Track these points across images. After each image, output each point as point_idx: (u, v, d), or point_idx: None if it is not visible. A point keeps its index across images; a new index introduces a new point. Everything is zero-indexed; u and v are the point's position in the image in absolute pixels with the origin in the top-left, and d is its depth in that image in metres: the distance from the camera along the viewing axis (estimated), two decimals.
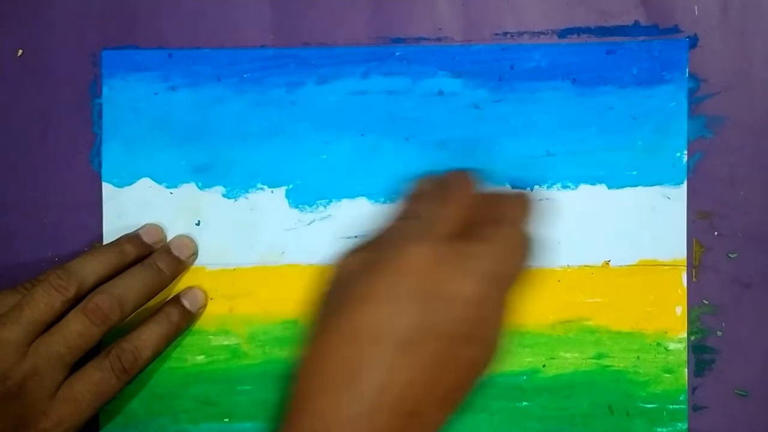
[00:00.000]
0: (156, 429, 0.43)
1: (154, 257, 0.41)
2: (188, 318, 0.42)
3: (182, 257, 0.42)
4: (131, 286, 0.40)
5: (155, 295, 0.41)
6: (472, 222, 0.35)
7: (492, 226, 0.34)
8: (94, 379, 0.38)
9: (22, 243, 0.43)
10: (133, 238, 0.42)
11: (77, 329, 0.38)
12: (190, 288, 0.42)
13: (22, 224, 0.43)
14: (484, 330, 0.33)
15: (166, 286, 0.41)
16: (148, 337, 0.40)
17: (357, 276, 0.33)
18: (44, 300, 0.38)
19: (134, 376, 0.40)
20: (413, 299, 0.32)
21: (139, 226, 0.42)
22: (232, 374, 0.42)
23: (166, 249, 0.42)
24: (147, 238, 0.42)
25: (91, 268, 0.39)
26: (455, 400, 0.33)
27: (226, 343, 0.42)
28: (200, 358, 0.43)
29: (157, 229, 0.42)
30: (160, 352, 0.40)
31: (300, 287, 0.42)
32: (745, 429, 0.41)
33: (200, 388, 0.42)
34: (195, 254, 0.42)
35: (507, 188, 0.41)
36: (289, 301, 0.42)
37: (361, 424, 0.31)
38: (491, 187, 0.37)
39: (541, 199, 0.41)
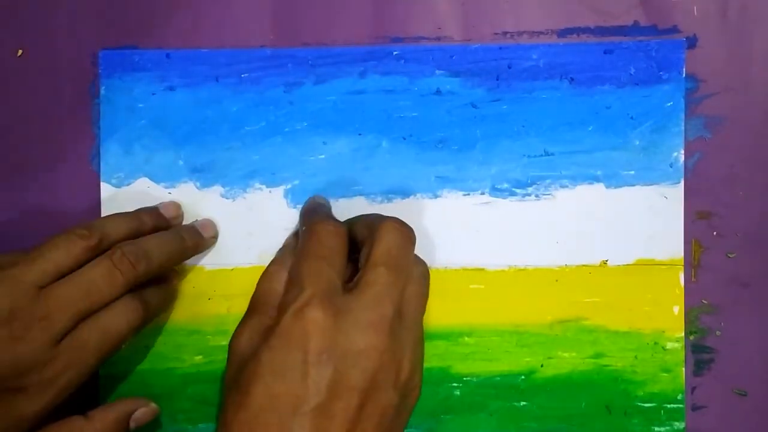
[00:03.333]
0: (155, 429, 0.43)
1: (178, 228, 0.41)
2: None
3: (204, 234, 0.42)
4: (157, 244, 0.39)
5: (179, 262, 0.41)
6: (354, 242, 0.36)
7: (371, 270, 0.34)
8: (103, 325, 0.37)
9: (22, 243, 0.43)
10: (151, 210, 0.41)
11: (99, 273, 0.36)
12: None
13: (22, 224, 0.43)
14: (393, 375, 0.34)
15: (188, 257, 0.41)
16: (157, 292, 0.40)
17: (256, 349, 0.34)
18: (64, 244, 0.37)
19: (142, 327, 0.38)
20: (315, 363, 0.32)
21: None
22: None
23: (190, 225, 0.42)
24: (165, 212, 0.42)
25: (113, 225, 0.38)
26: None
27: (224, 343, 0.42)
28: (198, 358, 0.43)
29: (175, 204, 0.42)
30: (165, 307, 0.40)
31: None
32: (744, 428, 0.41)
33: (198, 388, 0.42)
34: (216, 236, 0.42)
35: (370, 215, 0.40)
36: None
37: None
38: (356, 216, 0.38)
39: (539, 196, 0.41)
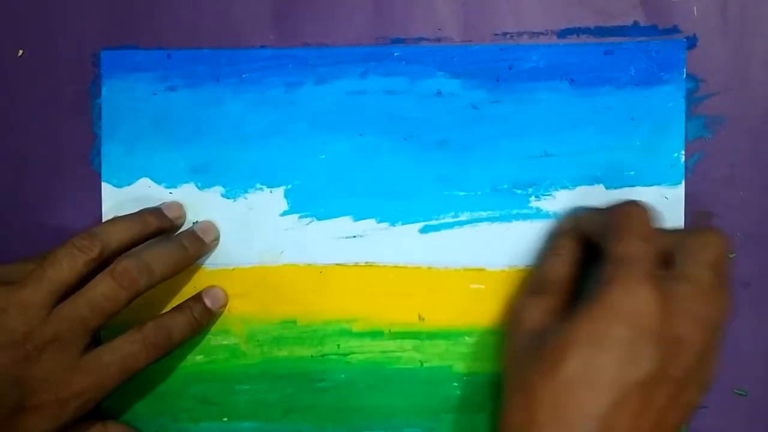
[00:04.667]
0: (155, 428, 0.43)
1: (179, 235, 0.41)
2: (209, 315, 0.41)
3: (205, 239, 0.42)
4: (158, 254, 0.39)
5: (180, 270, 0.40)
6: (667, 257, 0.35)
7: (699, 268, 0.34)
8: (124, 352, 0.38)
9: (22, 243, 0.43)
10: (154, 210, 0.41)
11: (103, 292, 0.37)
12: (211, 287, 0.42)
13: (22, 224, 0.43)
14: (702, 374, 0.34)
15: (190, 264, 0.41)
16: (178, 322, 0.40)
17: (562, 316, 0.34)
18: (66, 260, 0.37)
19: (161, 357, 0.39)
20: (644, 341, 0.32)
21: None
22: (230, 374, 0.42)
23: (190, 230, 0.42)
24: (168, 212, 0.42)
25: (114, 232, 0.39)
26: None
27: (224, 342, 0.43)
28: (199, 357, 0.43)
29: (177, 204, 0.42)
30: (184, 341, 0.40)
31: (298, 287, 0.42)
32: (744, 428, 0.41)
33: (199, 387, 0.43)
34: (217, 239, 0.42)
35: (696, 227, 0.40)
36: (287, 301, 0.42)
37: None
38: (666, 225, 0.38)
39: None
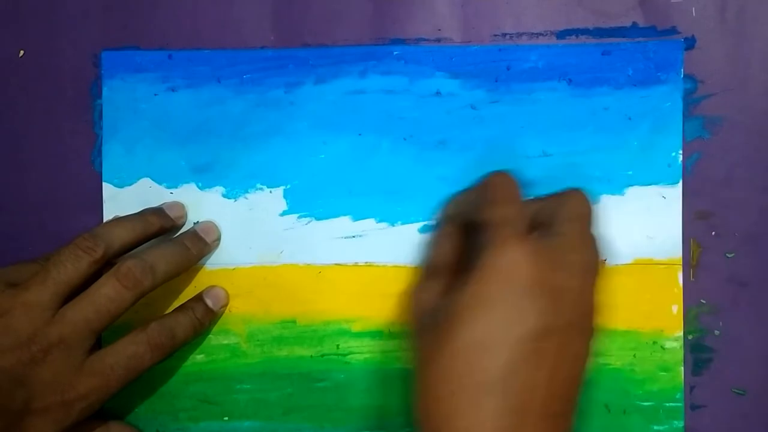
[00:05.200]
0: (156, 427, 0.43)
1: (181, 236, 0.41)
2: (210, 316, 0.41)
3: (207, 240, 0.42)
4: (161, 254, 0.39)
5: (183, 271, 0.40)
6: (537, 222, 0.36)
7: (566, 223, 0.35)
8: (128, 353, 0.38)
9: (22, 243, 0.43)
10: (156, 210, 0.41)
11: (107, 293, 0.37)
12: (212, 287, 0.42)
13: (22, 224, 0.43)
14: (587, 320, 0.34)
15: (192, 265, 0.41)
16: (181, 322, 0.40)
17: (451, 290, 0.34)
18: (71, 261, 0.37)
19: (165, 358, 0.39)
20: (527, 296, 0.33)
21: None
22: (231, 373, 0.43)
23: (192, 230, 0.42)
24: (170, 212, 0.42)
25: (117, 233, 0.39)
26: (577, 399, 0.34)
27: (225, 342, 0.43)
28: (200, 357, 0.43)
29: (179, 204, 0.42)
30: (187, 341, 0.40)
31: (298, 287, 0.42)
32: (743, 427, 0.41)
33: (199, 386, 0.43)
34: (218, 239, 0.42)
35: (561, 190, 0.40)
36: (287, 301, 0.42)
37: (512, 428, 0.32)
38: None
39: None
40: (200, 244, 0.41)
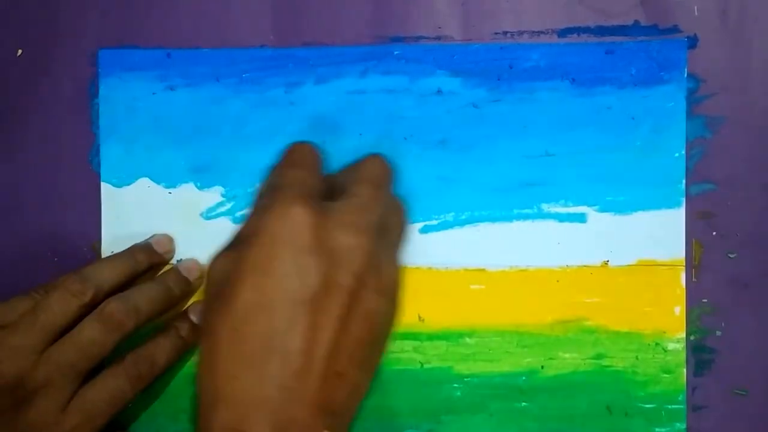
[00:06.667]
0: (155, 428, 0.43)
1: (165, 276, 0.41)
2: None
3: (190, 278, 0.42)
4: (145, 295, 0.39)
5: (166, 310, 0.40)
6: (337, 189, 0.37)
7: (355, 185, 0.36)
8: (108, 387, 0.38)
9: (21, 243, 0.43)
10: (144, 247, 0.42)
11: (90, 336, 0.37)
12: (199, 302, 0.42)
13: (21, 224, 0.43)
14: (376, 279, 0.34)
15: (176, 304, 0.41)
16: (162, 346, 0.40)
17: (238, 256, 0.34)
18: (59, 305, 0.37)
19: (147, 386, 0.39)
20: (305, 257, 0.33)
21: (149, 236, 0.42)
22: None
23: (175, 270, 0.42)
24: (158, 248, 0.42)
25: (106, 274, 0.39)
26: (371, 359, 0.35)
27: None
28: None
29: (167, 238, 0.42)
30: (171, 363, 0.40)
31: None
32: (745, 429, 0.41)
33: None
34: (202, 277, 0.42)
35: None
36: None
37: (290, 395, 0.32)
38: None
39: None
40: (183, 283, 0.41)
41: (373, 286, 0.34)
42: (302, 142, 0.39)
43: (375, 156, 0.38)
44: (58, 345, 0.37)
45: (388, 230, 0.37)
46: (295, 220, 0.33)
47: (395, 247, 0.37)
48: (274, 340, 0.32)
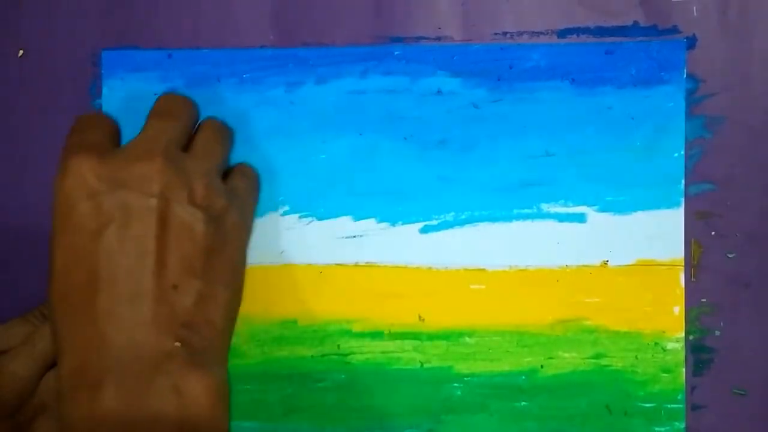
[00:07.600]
0: None
1: None
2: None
3: None
4: None
5: None
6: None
7: (141, 134, 0.37)
8: None
9: (21, 243, 0.43)
10: None
11: None
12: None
13: (22, 224, 0.43)
14: (188, 194, 0.35)
15: None
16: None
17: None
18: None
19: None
20: (96, 198, 0.34)
21: None
22: (231, 373, 0.42)
23: None
24: None
25: None
26: (216, 269, 0.35)
27: None
28: None
29: None
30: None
31: (298, 287, 0.42)
32: (744, 428, 0.41)
33: None
34: None
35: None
36: (287, 301, 0.42)
37: (125, 320, 0.33)
38: None
39: None
40: None
41: (184, 199, 0.35)
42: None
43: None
44: (54, 371, 0.37)
45: (196, 146, 0.38)
46: (74, 172, 0.34)
47: (204, 157, 0.37)
48: (98, 282, 0.33)
